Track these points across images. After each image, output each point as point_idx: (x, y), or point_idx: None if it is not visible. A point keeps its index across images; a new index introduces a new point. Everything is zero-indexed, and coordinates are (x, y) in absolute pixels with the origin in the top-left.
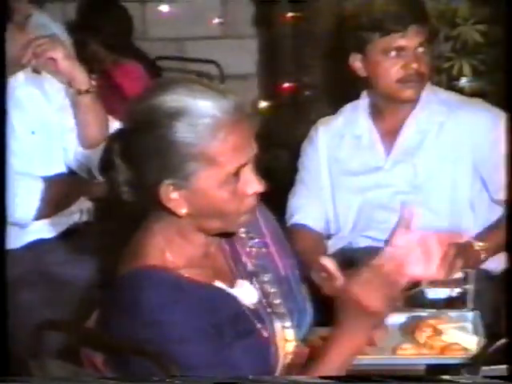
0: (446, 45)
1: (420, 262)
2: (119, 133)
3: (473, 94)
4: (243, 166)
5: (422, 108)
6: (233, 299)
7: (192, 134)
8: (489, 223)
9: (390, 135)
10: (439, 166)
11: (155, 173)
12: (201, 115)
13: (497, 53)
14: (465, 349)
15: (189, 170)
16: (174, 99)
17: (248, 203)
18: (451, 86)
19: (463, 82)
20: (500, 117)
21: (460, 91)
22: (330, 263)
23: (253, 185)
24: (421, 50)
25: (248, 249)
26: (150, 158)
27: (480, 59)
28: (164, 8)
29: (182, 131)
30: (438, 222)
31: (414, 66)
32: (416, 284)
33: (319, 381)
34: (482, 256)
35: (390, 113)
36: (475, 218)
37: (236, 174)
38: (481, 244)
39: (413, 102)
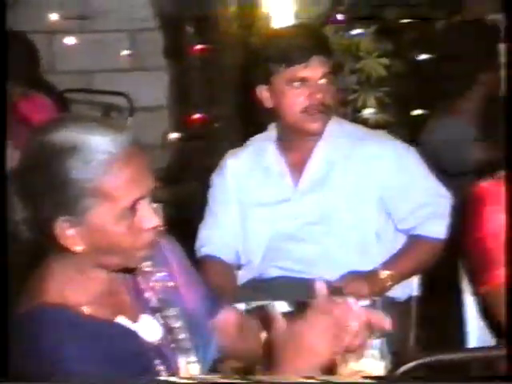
0: (350, 77)
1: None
2: (15, 170)
3: (377, 125)
4: (139, 200)
5: (328, 140)
6: (134, 336)
7: (86, 170)
8: (394, 251)
9: (298, 166)
10: (346, 196)
11: (51, 210)
12: (94, 151)
13: (400, 85)
14: (372, 375)
15: (84, 206)
16: (66, 136)
17: (146, 238)
18: (356, 117)
19: (368, 113)
20: (403, 148)
21: (365, 123)
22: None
23: (150, 219)
24: (324, 81)
25: (152, 283)
26: (44, 195)
27: (384, 91)
28: (71, 40)
29: (76, 168)
30: (346, 253)
31: (318, 96)
32: None
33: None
34: (388, 284)
35: (297, 144)
36: (381, 247)
37: (132, 208)
38: (387, 272)
39: (318, 133)
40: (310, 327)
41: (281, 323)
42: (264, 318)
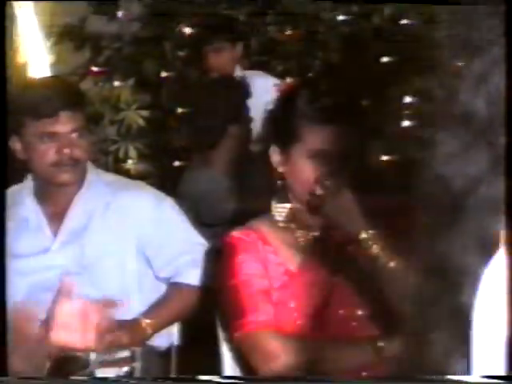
0: (111, 128)
1: (77, 331)
2: None
3: (138, 176)
4: None
5: (87, 190)
6: None
7: None
8: (155, 300)
9: (57, 217)
10: (106, 246)
11: None
12: None
13: (160, 136)
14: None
15: None
16: None
17: None
18: (118, 168)
19: (129, 164)
20: (161, 198)
21: (126, 173)
22: None
23: None
24: (75, 135)
25: None
26: None
27: (144, 143)
28: None
29: None
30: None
31: (67, 151)
32: (85, 366)
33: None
34: (149, 332)
35: (55, 195)
36: (142, 295)
37: None
38: (148, 321)
39: (69, 185)
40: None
41: None
42: None
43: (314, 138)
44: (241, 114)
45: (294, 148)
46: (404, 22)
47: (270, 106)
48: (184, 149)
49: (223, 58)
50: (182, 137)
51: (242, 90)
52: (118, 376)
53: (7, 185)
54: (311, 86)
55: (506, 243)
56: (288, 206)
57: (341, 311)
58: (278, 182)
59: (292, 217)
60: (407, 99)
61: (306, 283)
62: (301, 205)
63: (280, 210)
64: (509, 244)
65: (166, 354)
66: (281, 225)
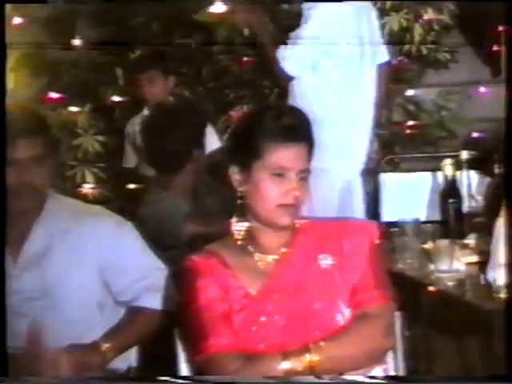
0: (68, 153)
1: None
2: None
3: (96, 200)
4: None
5: (46, 215)
6: None
7: None
8: (114, 324)
9: (17, 243)
10: (66, 270)
11: None
12: None
13: (116, 161)
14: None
15: None
16: None
17: None
18: (76, 192)
19: (86, 188)
20: (119, 223)
21: (84, 197)
22: None
23: None
24: (34, 162)
25: None
26: None
27: (101, 167)
28: None
29: None
30: (67, 326)
31: (27, 178)
32: None
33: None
34: (109, 356)
35: (15, 221)
36: (103, 319)
37: None
38: (107, 345)
39: (28, 211)
40: None
41: None
42: None
43: (276, 155)
44: (203, 139)
45: (255, 166)
46: None
47: (231, 128)
48: (144, 172)
49: (156, 88)
50: (142, 161)
51: (202, 115)
52: (119, 376)
53: None
54: (274, 106)
55: None
56: (247, 224)
57: (302, 332)
58: (238, 201)
59: (251, 237)
60: None
61: (266, 306)
62: (260, 224)
63: (239, 229)
64: None
65: (124, 377)
66: (240, 247)
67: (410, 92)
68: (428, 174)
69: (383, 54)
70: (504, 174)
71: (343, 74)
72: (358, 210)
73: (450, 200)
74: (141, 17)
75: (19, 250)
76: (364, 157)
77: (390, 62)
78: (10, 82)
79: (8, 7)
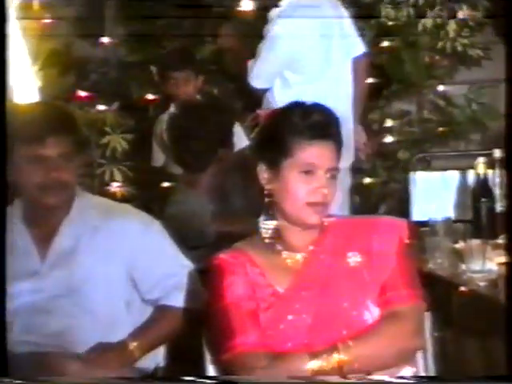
0: (97, 152)
1: None
2: None
3: (124, 198)
4: None
5: (74, 213)
6: None
7: None
8: (142, 323)
9: (45, 241)
10: (94, 269)
11: None
12: None
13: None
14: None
15: None
16: None
17: None
18: (104, 191)
19: (115, 187)
20: (147, 221)
21: (112, 196)
22: None
23: None
24: (62, 159)
25: None
26: None
27: (128, 166)
28: None
29: None
30: (94, 325)
31: (55, 174)
32: None
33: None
34: (137, 355)
35: (44, 219)
36: (130, 317)
37: None
38: (135, 343)
39: (57, 208)
40: None
41: None
42: None
43: (305, 152)
44: (230, 138)
45: (284, 164)
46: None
47: (259, 126)
48: (173, 171)
49: (187, 86)
50: (169, 160)
51: (230, 115)
52: (119, 376)
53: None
54: (302, 103)
55: None
56: (275, 223)
57: (330, 331)
58: (266, 199)
59: (279, 235)
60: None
61: (294, 305)
62: (288, 222)
63: (267, 227)
64: None
65: (155, 375)
66: (268, 246)
67: (441, 88)
68: (460, 173)
69: (358, 47)
70: None
71: (317, 71)
72: (345, 203)
73: (482, 199)
74: (171, 13)
75: (47, 247)
76: (351, 151)
77: (365, 54)
78: (40, 80)
79: (36, 6)
